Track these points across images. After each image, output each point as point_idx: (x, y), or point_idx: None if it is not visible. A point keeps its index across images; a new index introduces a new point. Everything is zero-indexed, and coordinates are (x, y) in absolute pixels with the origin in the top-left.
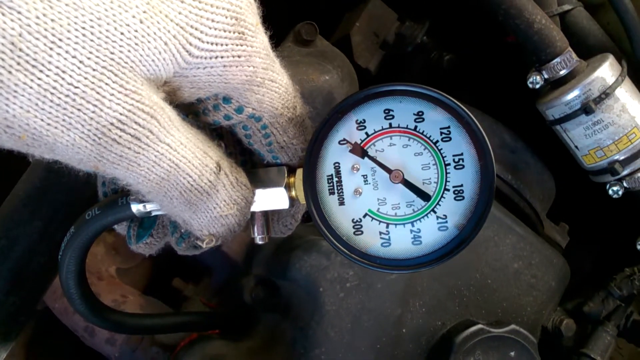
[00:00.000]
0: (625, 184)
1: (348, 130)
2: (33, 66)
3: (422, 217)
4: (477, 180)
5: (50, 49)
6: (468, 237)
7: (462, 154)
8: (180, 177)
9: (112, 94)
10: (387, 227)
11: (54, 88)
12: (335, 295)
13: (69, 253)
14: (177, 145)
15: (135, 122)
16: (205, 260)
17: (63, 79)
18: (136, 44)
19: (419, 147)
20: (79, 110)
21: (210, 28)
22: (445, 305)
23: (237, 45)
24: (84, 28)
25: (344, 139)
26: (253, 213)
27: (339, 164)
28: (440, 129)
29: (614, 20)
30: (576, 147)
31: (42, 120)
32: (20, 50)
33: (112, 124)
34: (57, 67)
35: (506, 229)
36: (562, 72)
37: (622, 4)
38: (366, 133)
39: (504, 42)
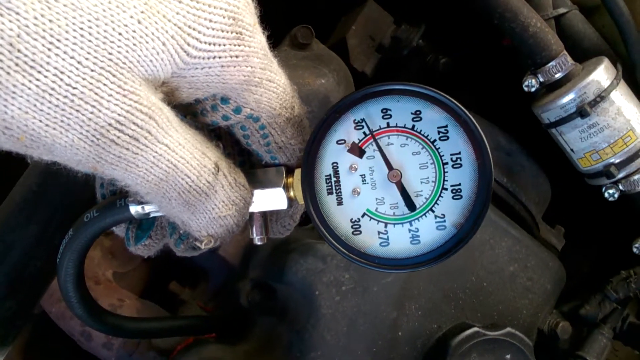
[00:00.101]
0: (621, 187)
1: (346, 130)
2: (31, 67)
3: (420, 216)
4: (475, 179)
5: (49, 49)
6: (466, 236)
7: (459, 153)
8: (178, 178)
9: (110, 95)
10: (386, 226)
11: (52, 89)
12: (331, 299)
13: (67, 256)
14: (175, 145)
15: (134, 123)
16: (201, 264)
17: (61, 79)
18: (134, 45)
19: (416, 146)
20: (77, 111)
21: (208, 28)
22: (441, 308)
23: (234, 45)
24: (82, 29)
25: (342, 139)
26: (251, 214)
27: (337, 163)
28: (438, 128)
29: (609, 24)
30: (572, 150)
31: (40, 121)
32: (19, 51)
33: (110, 124)
34: (55, 68)
35: (502, 232)
36: (558, 76)
37: (617, 7)
38: (364, 133)
39: (500, 45)
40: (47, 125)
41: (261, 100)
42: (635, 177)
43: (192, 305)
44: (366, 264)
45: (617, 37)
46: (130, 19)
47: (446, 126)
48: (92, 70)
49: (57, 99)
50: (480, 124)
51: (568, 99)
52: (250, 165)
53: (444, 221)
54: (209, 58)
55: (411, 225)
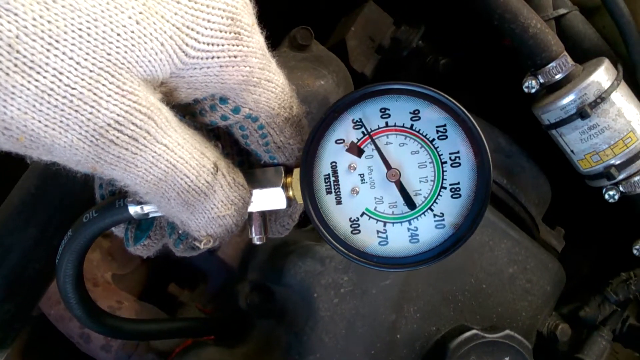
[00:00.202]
0: (621, 189)
1: (345, 129)
2: (30, 68)
3: (419, 215)
4: (474, 177)
5: (47, 50)
6: (465, 235)
7: (458, 152)
8: (177, 178)
9: (109, 95)
10: (385, 225)
11: (51, 89)
12: (330, 301)
13: (66, 256)
14: (174, 146)
15: (133, 123)
16: (200, 266)
17: (60, 80)
18: (133, 45)
19: (415, 145)
20: (76, 111)
21: (206, 29)
22: (439, 311)
23: (233, 45)
24: (80, 29)
25: (341, 139)
26: (250, 213)
27: (335, 163)
28: (437, 127)
29: (609, 24)
30: (572, 151)
31: (39, 121)
32: (18, 52)
33: (109, 125)
34: (54, 69)
35: (501, 234)
36: (558, 77)
37: (617, 8)
38: (363, 132)
39: (500, 45)
40: (46, 125)
41: (260, 100)
42: (636, 178)
43: (191, 307)
44: (365, 263)
45: (618, 38)
46: (128, 20)
47: (445, 125)
48: (90, 71)
49: (56, 100)
50: (479, 125)
51: (568, 100)
52: (249, 165)
53: (443, 220)
54: (207, 58)
55: (410, 224)
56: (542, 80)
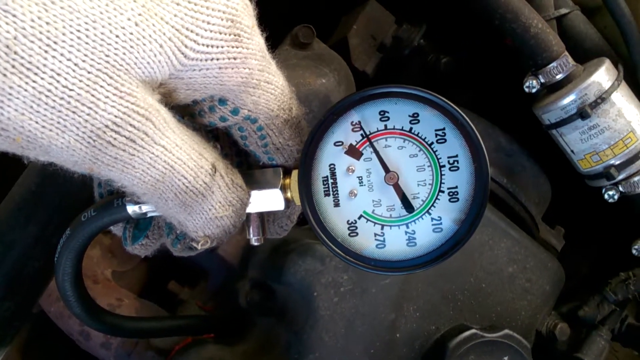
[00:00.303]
0: (621, 189)
1: (344, 131)
2: (28, 69)
3: (417, 218)
4: (472, 182)
5: (45, 51)
6: (462, 239)
7: (456, 156)
8: (175, 179)
9: (107, 97)
10: (382, 228)
11: (49, 91)
12: (330, 300)
13: (65, 255)
14: (172, 147)
15: (130, 125)
16: (201, 264)
17: (58, 81)
18: (131, 47)
19: (414, 148)
20: (73, 112)
21: (205, 30)
22: (439, 310)
23: (232, 47)
24: (79, 31)
25: (340, 141)
26: (248, 214)
27: (334, 165)
28: (435, 130)
29: (610, 24)
30: (572, 151)
31: (36, 122)
32: (15, 53)
33: (107, 126)
34: (52, 70)
35: (501, 233)
36: (559, 77)
37: (618, 8)
38: (361, 135)
39: (501, 45)
40: (43, 126)
41: (259, 102)
42: (635, 178)
43: (191, 305)
44: (362, 266)
45: (619, 38)
46: (127, 21)
47: (444, 129)
48: (88, 72)
49: (54, 101)
50: (480, 125)
51: (569, 100)
52: (248, 166)
53: (441, 224)
54: (206, 60)
55: (408, 227)
56: (542, 80)
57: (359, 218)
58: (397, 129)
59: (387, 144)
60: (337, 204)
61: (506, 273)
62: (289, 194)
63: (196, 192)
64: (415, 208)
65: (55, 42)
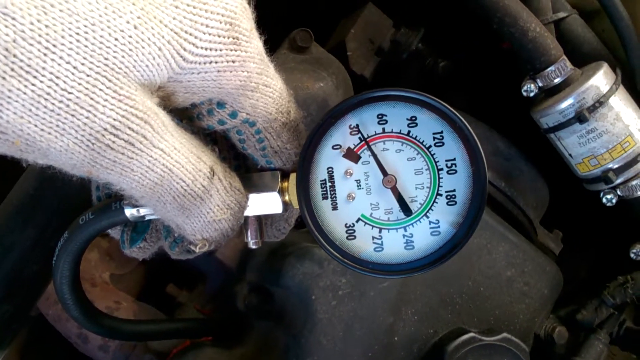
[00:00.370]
0: (619, 192)
1: (342, 135)
2: (27, 72)
3: (415, 221)
4: (470, 185)
5: (44, 54)
6: (460, 242)
7: (454, 159)
8: (173, 182)
9: (105, 100)
10: (380, 231)
11: (48, 94)
12: (328, 303)
13: (63, 258)
14: (170, 150)
15: (129, 128)
16: (199, 267)
17: (57, 84)
18: (130, 50)
19: (412, 152)
20: (72, 115)
21: (204, 33)
22: (437, 313)
23: (231, 50)
24: (78, 34)
25: (338, 144)
26: (246, 217)
27: (332, 168)
28: (433, 134)
29: (608, 28)
30: (570, 155)
31: (35, 125)
32: (15, 56)
33: (105, 129)
34: (51, 73)
35: (499, 237)
36: (557, 81)
37: (616, 12)
38: (359, 138)
39: (499, 48)
40: (42, 129)
41: (257, 105)
42: (634, 182)
43: (189, 308)
44: (360, 269)
45: (617, 42)
46: (126, 25)
47: (441, 132)
48: (87, 75)
49: (53, 104)
50: (478, 129)
51: (567, 104)
52: (246, 170)
53: (438, 227)
54: (205, 63)
55: (405, 230)
56: (540, 84)
57: (357, 221)
58: (395, 132)
59: (385, 147)
60: (335, 207)
61: (504, 276)
62: (287, 197)
63: (194, 195)
64: (413, 211)
65: (54, 45)
